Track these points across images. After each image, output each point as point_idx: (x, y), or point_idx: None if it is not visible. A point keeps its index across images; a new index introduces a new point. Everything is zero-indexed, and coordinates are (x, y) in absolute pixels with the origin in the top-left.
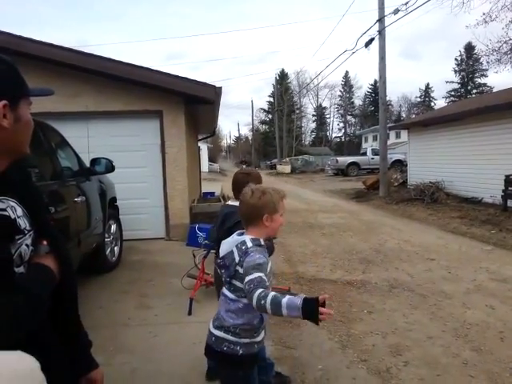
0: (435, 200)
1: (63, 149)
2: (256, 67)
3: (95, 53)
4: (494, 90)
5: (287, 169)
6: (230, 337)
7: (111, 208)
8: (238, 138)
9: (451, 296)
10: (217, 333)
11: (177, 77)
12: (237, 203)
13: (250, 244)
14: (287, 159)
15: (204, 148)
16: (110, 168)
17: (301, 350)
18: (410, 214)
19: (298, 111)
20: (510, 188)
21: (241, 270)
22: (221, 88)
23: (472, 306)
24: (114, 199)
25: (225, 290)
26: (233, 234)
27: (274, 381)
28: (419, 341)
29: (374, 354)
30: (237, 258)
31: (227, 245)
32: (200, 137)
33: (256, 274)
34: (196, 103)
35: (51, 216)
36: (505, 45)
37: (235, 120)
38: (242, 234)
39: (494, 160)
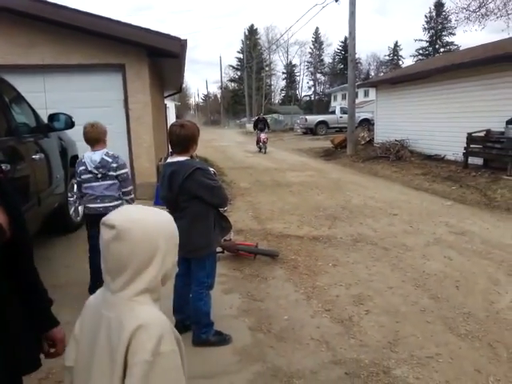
0: (400, 158)
1: (18, 104)
2: (225, 21)
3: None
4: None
5: None
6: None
7: (73, 167)
8: (207, 96)
9: (412, 248)
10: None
11: (139, 28)
12: (178, 159)
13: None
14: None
15: (171, 106)
16: (70, 124)
17: (268, 302)
18: (375, 171)
19: (267, 68)
20: (471, 145)
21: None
22: (186, 41)
23: (431, 258)
24: (75, 157)
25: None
26: (184, 192)
27: (213, 339)
28: (380, 291)
29: (338, 304)
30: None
31: None
32: (166, 94)
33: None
34: (160, 56)
35: (2, 170)
36: (473, 2)
37: (204, 77)
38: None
39: (457, 118)
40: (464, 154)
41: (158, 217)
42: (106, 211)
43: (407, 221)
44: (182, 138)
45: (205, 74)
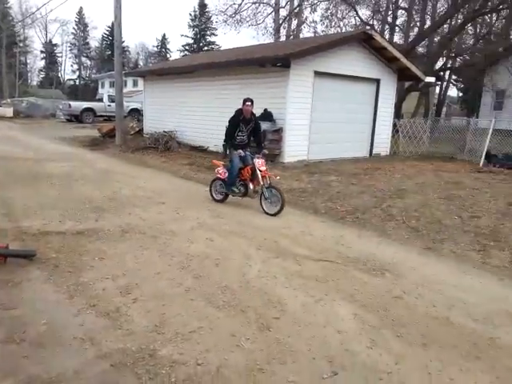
0: (168, 148)
1: None
2: None
3: None
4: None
5: (9, 112)
6: None
7: None
8: None
9: (178, 234)
10: None
11: None
12: None
13: None
14: (9, 101)
15: None
16: None
17: (22, 308)
18: (145, 161)
19: (21, 44)
20: None
21: None
22: None
23: (195, 241)
24: None
25: None
26: None
27: None
28: (148, 278)
29: (104, 297)
30: None
31: None
32: None
33: None
34: None
35: None
36: (230, 8)
37: None
38: None
39: (216, 112)
40: (223, 145)
41: None
42: None
43: (175, 208)
44: None
45: None
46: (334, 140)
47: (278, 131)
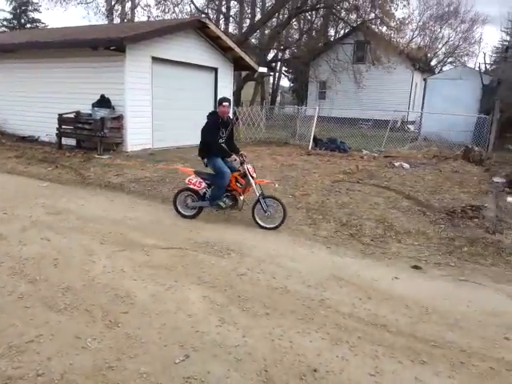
0: None
1: None
2: None
3: None
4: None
5: None
6: None
7: None
8: None
9: (6, 236)
10: None
11: None
12: None
13: None
14: None
15: None
16: None
17: None
18: None
19: None
20: (63, 127)
21: None
22: None
23: (28, 242)
24: None
25: None
26: None
27: None
28: None
29: None
30: None
31: None
32: None
33: None
34: None
35: None
36: None
37: None
38: None
39: (48, 98)
40: (57, 134)
41: None
42: None
43: (1, 208)
44: None
45: None
46: (177, 128)
47: (118, 118)
